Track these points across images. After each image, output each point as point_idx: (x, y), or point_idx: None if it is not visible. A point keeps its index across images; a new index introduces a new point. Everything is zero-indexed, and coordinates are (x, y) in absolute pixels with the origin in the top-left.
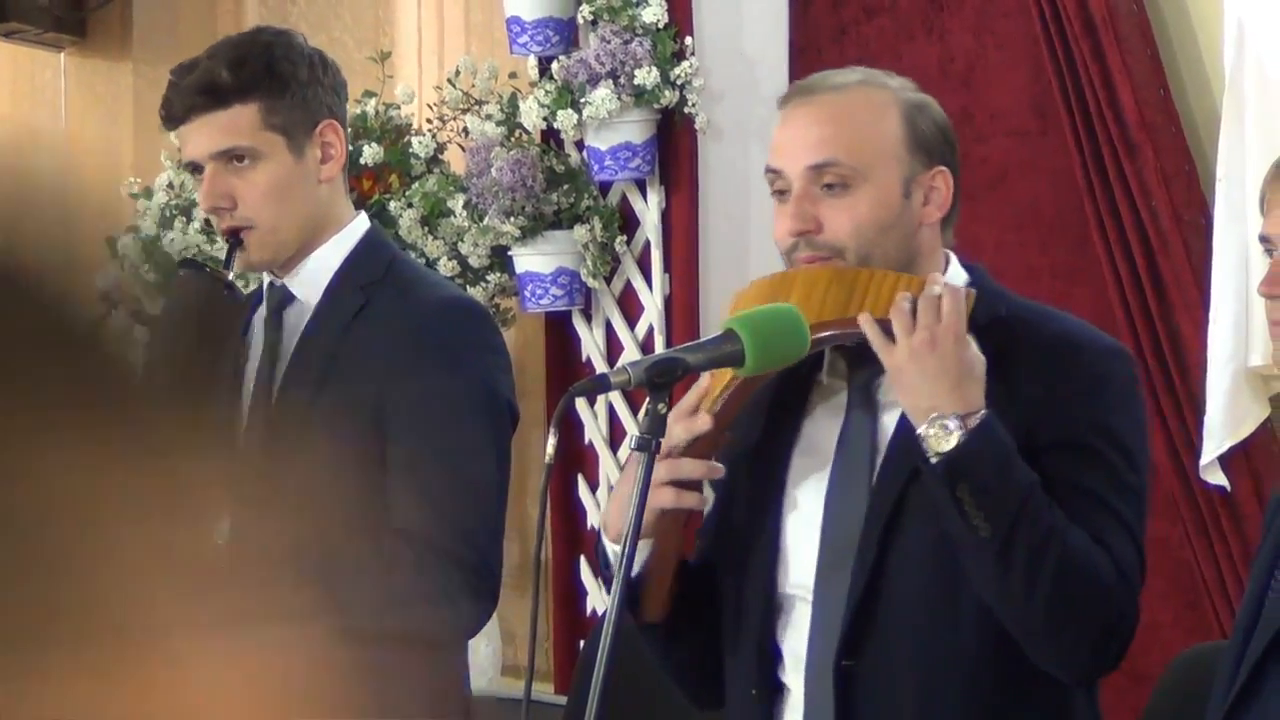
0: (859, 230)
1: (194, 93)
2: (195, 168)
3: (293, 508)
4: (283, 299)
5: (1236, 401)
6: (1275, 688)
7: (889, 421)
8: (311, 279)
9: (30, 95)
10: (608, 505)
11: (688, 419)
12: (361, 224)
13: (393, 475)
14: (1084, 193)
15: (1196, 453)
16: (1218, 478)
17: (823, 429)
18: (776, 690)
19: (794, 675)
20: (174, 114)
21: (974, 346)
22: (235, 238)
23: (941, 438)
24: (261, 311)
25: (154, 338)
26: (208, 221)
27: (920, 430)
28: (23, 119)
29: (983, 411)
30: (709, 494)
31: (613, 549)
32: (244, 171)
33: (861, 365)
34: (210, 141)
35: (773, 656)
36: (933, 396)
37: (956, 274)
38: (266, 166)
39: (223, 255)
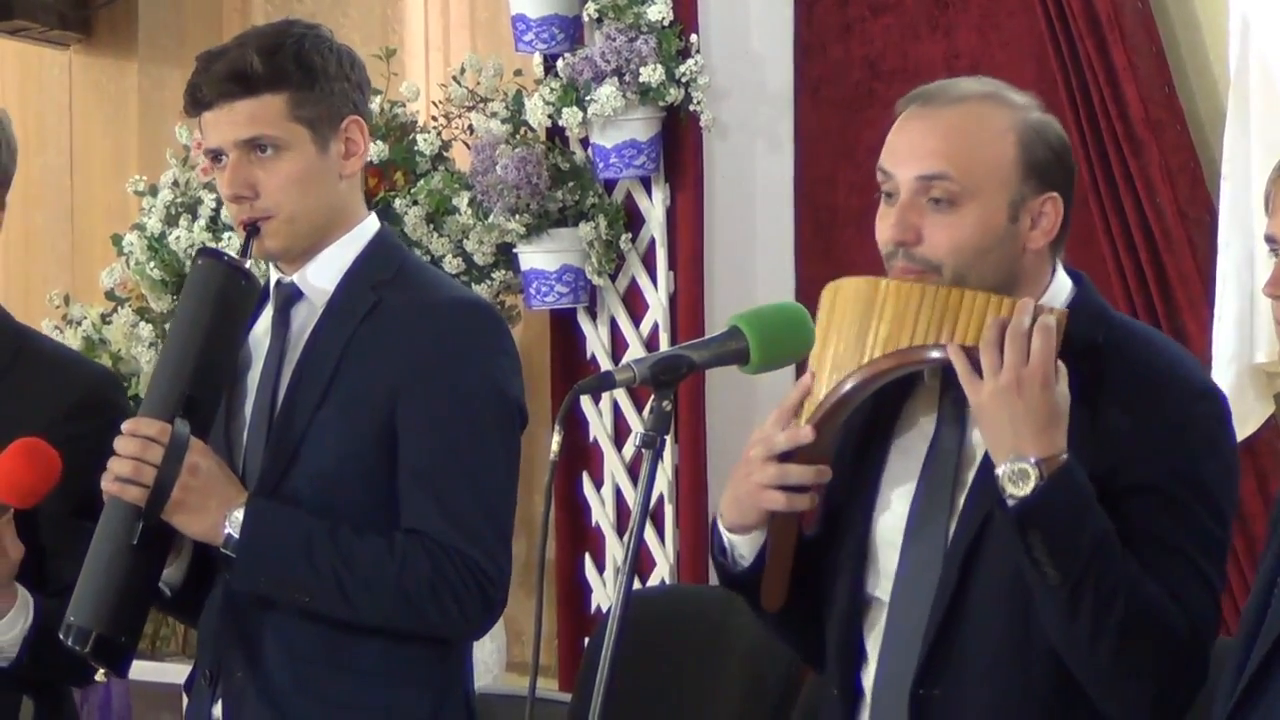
0: (958, 250)
1: (224, 79)
2: (217, 155)
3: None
4: (291, 295)
5: (1241, 398)
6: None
7: (979, 440)
8: (322, 276)
9: (36, 93)
10: (724, 493)
11: (791, 431)
12: (373, 223)
13: (403, 475)
14: (1089, 189)
15: None
16: None
17: (918, 432)
18: (856, 691)
19: (869, 680)
20: (201, 99)
21: (1062, 385)
22: (253, 227)
23: (1019, 481)
24: (267, 311)
25: (174, 321)
26: (213, 219)
27: (999, 470)
28: (29, 116)
29: (1063, 457)
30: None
31: (728, 536)
32: (267, 161)
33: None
34: (236, 129)
35: (856, 656)
36: (1015, 439)
37: (1061, 286)
38: (290, 157)
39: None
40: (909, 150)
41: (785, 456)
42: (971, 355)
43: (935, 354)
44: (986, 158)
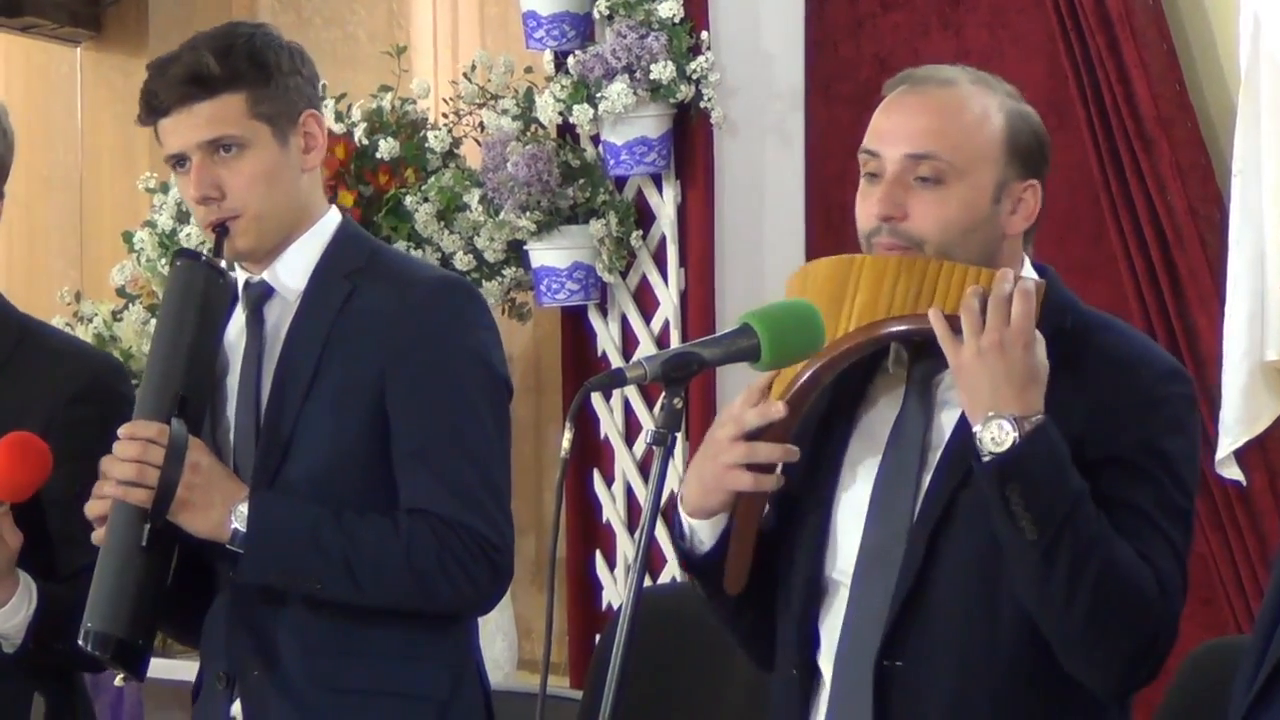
0: (945, 227)
1: (181, 82)
2: (179, 161)
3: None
4: (262, 294)
5: (1252, 396)
6: None
7: (946, 421)
8: (291, 271)
9: (46, 90)
10: (686, 477)
11: (762, 406)
12: (334, 216)
13: (398, 457)
14: (1100, 187)
15: (1212, 447)
16: (1233, 472)
17: (880, 415)
18: (813, 670)
19: (827, 663)
20: (158, 106)
21: (1041, 350)
22: (222, 229)
23: (997, 438)
24: (238, 313)
25: (159, 322)
26: None
27: (976, 429)
28: (39, 113)
29: (1040, 416)
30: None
31: (688, 521)
32: (231, 161)
33: (923, 358)
34: (198, 131)
35: (811, 640)
36: (994, 398)
37: (1029, 275)
38: (254, 155)
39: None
40: (898, 130)
41: (753, 435)
42: (951, 322)
43: (903, 326)
44: (975, 138)
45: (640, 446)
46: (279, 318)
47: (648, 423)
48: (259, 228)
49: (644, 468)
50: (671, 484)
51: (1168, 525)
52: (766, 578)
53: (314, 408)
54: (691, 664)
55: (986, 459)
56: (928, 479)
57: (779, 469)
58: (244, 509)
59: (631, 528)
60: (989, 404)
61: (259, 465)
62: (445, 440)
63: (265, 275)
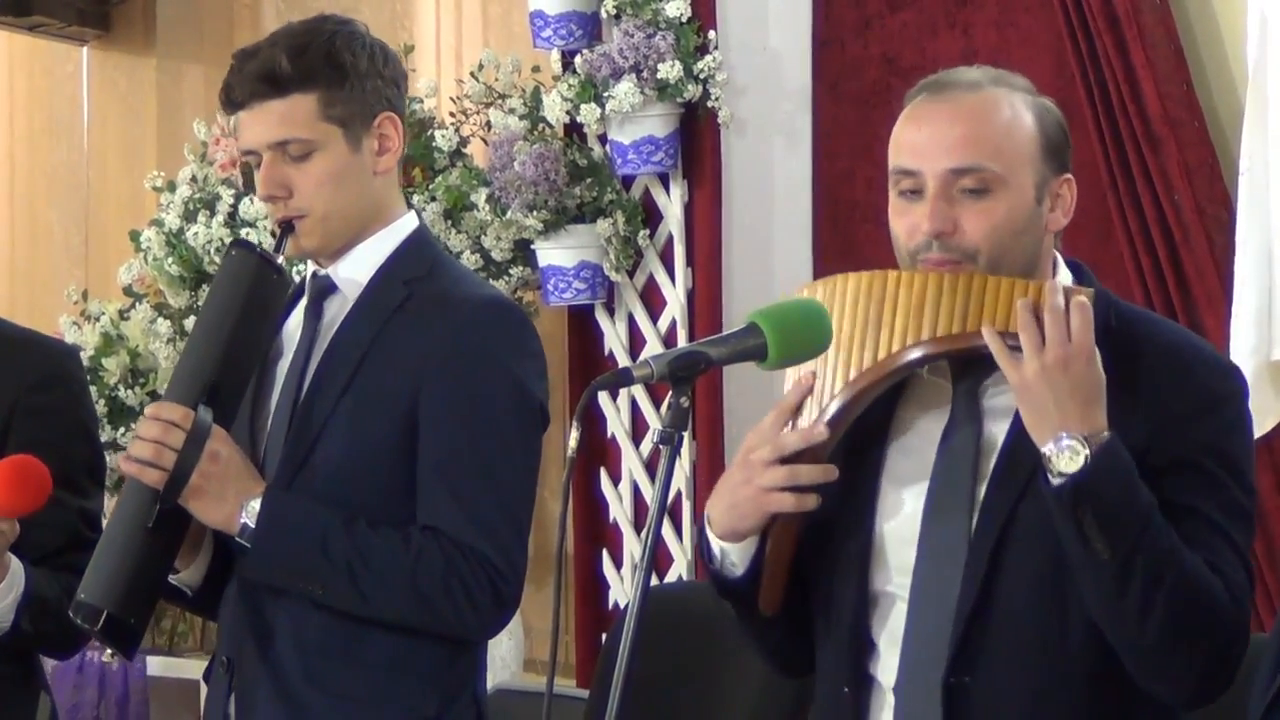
0: (995, 234)
1: (254, 79)
2: (252, 154)
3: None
4: (325, 288)
5: (1259, 395)
6: None
7: (997, 432)
8: (356, 270)
9: (51, 89)
10: (713, 500)
11: (806, 430)
12: (410, 220)
13: (422, 469)
14: (1107, 186)
15: None
16: None
17: (923, 427)
18: (867, 685)
19: (887, 673)
20: (234, 99)
21: (1100, 364)
22: (288, 225)
23: (1067, 459)
24: (301, 303)
25: (202, 308)
26: (231, 215)
27: (1046, 449)
28: (44, 112)
29: (1107, 433)
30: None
31: (717, 543)
32: (300, 161)
33: (969, 367)
34: (268, 131)
35: (866, 648)
36: (1061, 417)
37: (1063, 275)
38: (323, 157)
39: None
40: (934, 143)
41: (792, 457)
42: (1005, 338)
43: (954, 346)
44: (1013, 141)
45: (647, 445)
46: (336, 313)
47: (654, 422)
48: (324, 229)
49: (650, 467)
50: (678, 483)
51: (1234, 530)
52: (797, 593)
53: (347, 406)
54: (699, 663)
55: (1058, 481)
56: (983, 490)
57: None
58: (255, 505)
59: (638, 527)
60: (1057, 424)
61: (286, 455)
62: (469, 462)
63: (330, 270)
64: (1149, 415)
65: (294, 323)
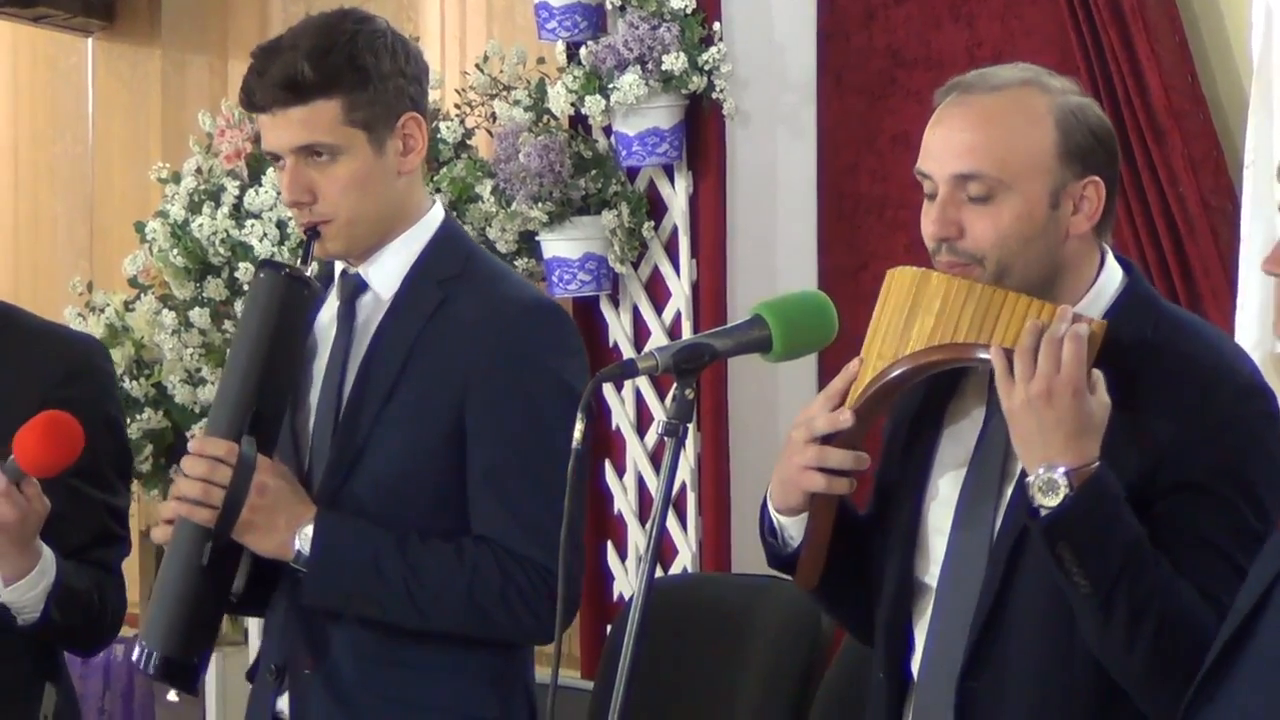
0: (1001, 241)
1: (276, 86)
2: (275, 157)
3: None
4: (356, 287)
5: None
6: (1246, 673)
7: None
8: (387, 270)
9: (55, 80)
10: (774, 474)
11: (831, 414)
12: (437, 214)
13: (472, 479)
14: None
15: None
16: None
17: (969, 420)
18: (902, 674)
19: (916, 664)
20: (255, 103)
21: (1097, 395)
22: (313, 232)
23: (1047, 491)
24: (332, 299)
25: (236, 335)
26: (236, 207)
27: (1029, 479)
28: (48, 104)
29: (1094, 465)
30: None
31: (778, 519)
32: (324, 166)
33: None
34: (291, 136)
35: (904, 641)
36: (1045, 447)
37: (1111, 274)
38: (347, 162)
39: (257, 244)
40: (943, 149)
41: (825, 439)
42: (1010, 359)
43: (981, 354)
44: (1022, 147)
45: (652, 437)
46: (370, 315)
47: (659, 413)
48: (350, 233)
49: (655, 458)
50: (683, 475)
51: (1240, 555)
52: (863, 574)
53: (392, 415)
54: (702, 655)
55: (1040, 512)
56: (1009, 490)
57: (853, 474)
58: (309, 531)
59: (643, 518)
60: (1040, 455)
61: (332, 463)
62: (517, 468)
63: (360, 270)
64: (1161, 434)
65: (326, 318)
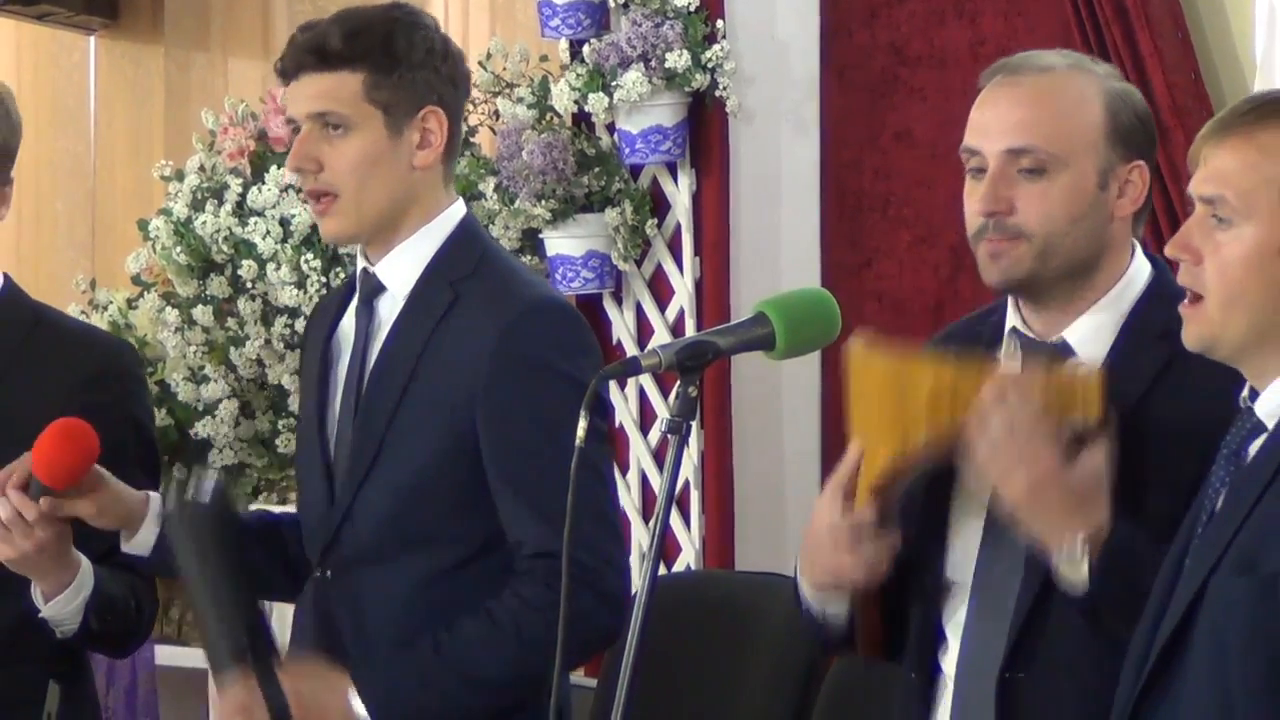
0: (1050, 217)
1: (303, 51)
2: (294, 125)
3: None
4: (375, 287)
5: None
6: (1189, 672)
7: None
8: (401, 269)
9: (58, 78)
10: (801, 559)
11: (852, 517)
12: (456, 213)
13: (495, 482)
14: None
15: None
16: None
17: None
18: (934, 672)
19: (951, 662)
20: (285, 69)
21: (1095, 456)
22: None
23: (1071, 568)
24: (354, 300)
25: (189, 584)
26: (239, 205)
27: (1053, 562)
28: (50, 101)
29: (1106, 530)
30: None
31: (815, 595)
32: (336, 139)
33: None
34: (309, 102)
35: (935, 635)
36: (1051, 533)
37: (1140, 268)
38: (359, 137)
39: (260, 242)
40: (996, 124)
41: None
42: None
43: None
44: (1075, 125)
45: (655, 435)
46: (387, 313)
47: (662, 411)
48: (357, 213)
49: (659, 456)
50: (686, 472)
51: None
52: (906, 601)
53: (406, 417)
54: (705, 652)
55: (1072, 592)
56: None
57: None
58: (360, 709)
59: (646, 516)
60: (1050, 539)
61: (350, 468)
62: (539, 471)
63: (377, 268)
64: (1191, 423)
65: (348, 322)
